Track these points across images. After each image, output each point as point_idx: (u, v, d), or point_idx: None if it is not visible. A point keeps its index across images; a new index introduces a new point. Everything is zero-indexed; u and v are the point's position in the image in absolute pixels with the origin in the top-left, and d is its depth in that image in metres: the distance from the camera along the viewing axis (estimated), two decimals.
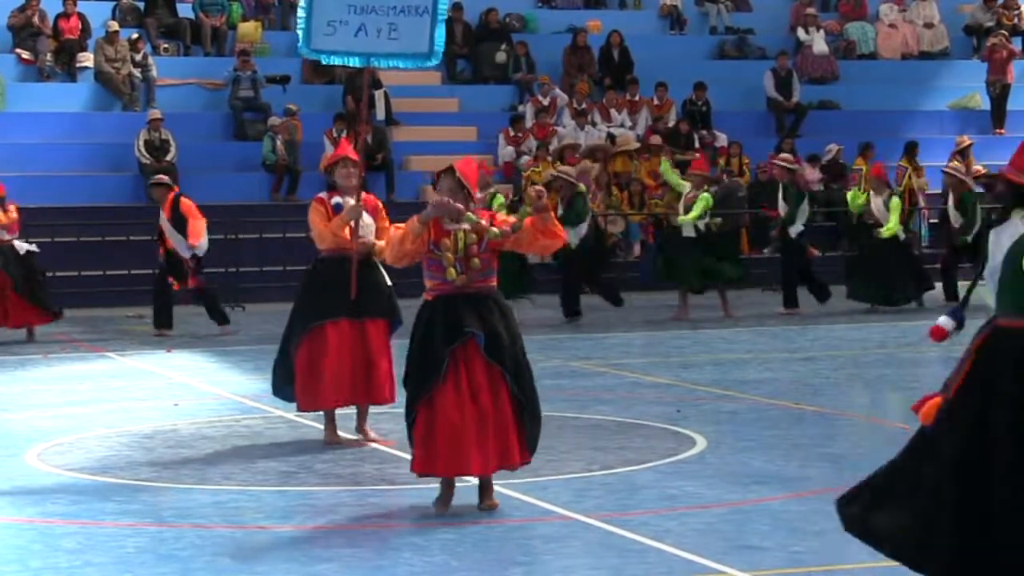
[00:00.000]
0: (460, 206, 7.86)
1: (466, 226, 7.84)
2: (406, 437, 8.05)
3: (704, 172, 18.82)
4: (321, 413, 10.39)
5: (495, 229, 7.89)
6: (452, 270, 7.83)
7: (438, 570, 6.94)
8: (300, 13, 9.80)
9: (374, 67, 10.09)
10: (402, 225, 8.00)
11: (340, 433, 10.25)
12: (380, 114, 24.27)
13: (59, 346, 16.43)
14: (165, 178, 17.60)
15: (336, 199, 10.08)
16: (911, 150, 24.32)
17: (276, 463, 9.62)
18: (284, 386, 10.37)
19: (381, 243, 9.78)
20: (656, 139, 24.41)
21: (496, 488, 8.50)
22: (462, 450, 7.78)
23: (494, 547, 7.39)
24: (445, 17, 9.63)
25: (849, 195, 20.00)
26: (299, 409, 10.43)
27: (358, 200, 9.88)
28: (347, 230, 9.90)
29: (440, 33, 9.59)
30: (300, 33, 9.79)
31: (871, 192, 19.13)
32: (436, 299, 7.92)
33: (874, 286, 19.05)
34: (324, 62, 10.36)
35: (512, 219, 8.15)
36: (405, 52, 9.70)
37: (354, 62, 9.96)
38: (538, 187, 8.13)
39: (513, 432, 7.91)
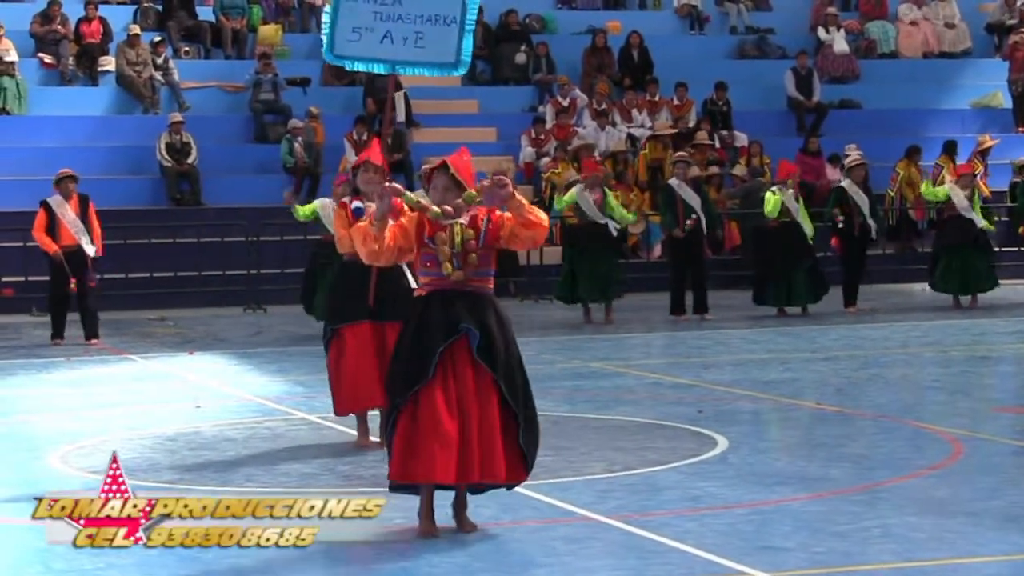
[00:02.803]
0: (397, 186, 7.51)
1: (464, 220, 7.50)
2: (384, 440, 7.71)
3: (598, 172, 18.73)
4: (349, 416, 10.40)
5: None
6: (448, 264, 7.48)
7: (460, 571, 6.95)
8: (325, 19, 9.79)
9: (399, 74, 10.07)
10: (362, 224, 7.63)
11: (371, 438, 10.24)
12: (400, 115, 24.30)
13: (82, 349, 16.48)
14: (72, 172, 17.27)
15: (356, 203, 10.08)
16: (950, 149, 24.26)
17: (298, 465, 9.64)
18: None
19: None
20: (703, 135, 24.26)
21: (516, 488, 8.50)
22: (444, 455, 7.35)
23: (515, 548, 7.40)
24: (473, 28, 9.61)
25: (924, 188, 20.25)
26: (335, 414, 10.44)
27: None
28: None
29: (468, 43, 9.57)
30: (324, 39, 9.79)
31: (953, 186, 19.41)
32: (431, 295, 7.54)
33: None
34: (348, 68, 10.35)
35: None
36: (431, 61, 9.68)
37: (379, 68, 9.95)
38: (497, 176, 7.64)
39: (499, 443, 7.50)
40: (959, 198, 19.26)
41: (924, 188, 20.29)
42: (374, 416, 10.31)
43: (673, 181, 18.78)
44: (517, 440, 7.58)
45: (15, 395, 13.38)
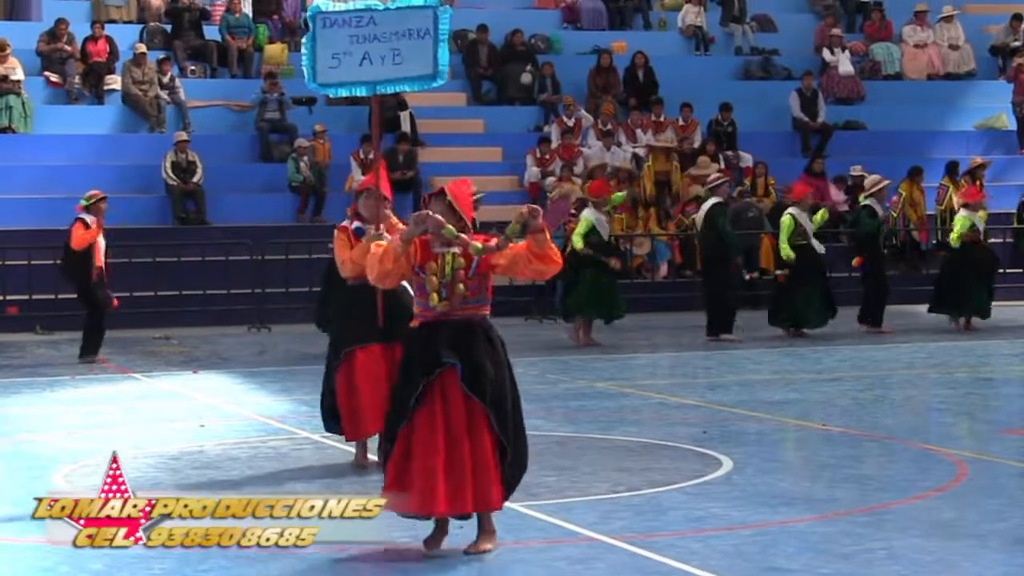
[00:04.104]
0: (440, 218, 7.50)
1: (456, 249, 7.53)
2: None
3: (605, 195, 18.49)
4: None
5: (477, 244, 7.52)
6: (435, 295, 7.50)
7: None
8: (304, 50, 9.79)
9: (380, 93, 10.07)
10: (383, 244, 7.69)
11: (370, 456, 10.23)
12: (407, 134, 24.30)
13: (86, 367, 16.48)
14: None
15: (357, 224, 10.09)
16: (952, 169, 24.28)
17: (302, 484, 9.62)
18: (330, 420, 10.39)
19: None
20: (705, 160, 24.22)
21: (521, 509, 8.49)
22: (428, 489, 7.37)
23: (520, 569, 7.38)
24: (447, 37, 9.62)
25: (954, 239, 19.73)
26: (347, 439, 10.35)
27: (377, 227, 9.83)
28: None
29: (443, 53, 9.59)
30: (305, 69, 9.78)
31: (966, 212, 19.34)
32: (420, 327, 7.59)
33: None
34: (332, 95, 10.34)
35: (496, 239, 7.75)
36: (410, 75, 9.69)
37: (361, 91, 9.95)
38: (532, 206, 7.66)
39: (494, 471, 7.50)
40: (979, 221, 19.30)
41: (954, 240, 19.92)
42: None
43: (719, 201, 18.80)
44: (502, 465, 7.59)
45: (19, 414, 13.38)
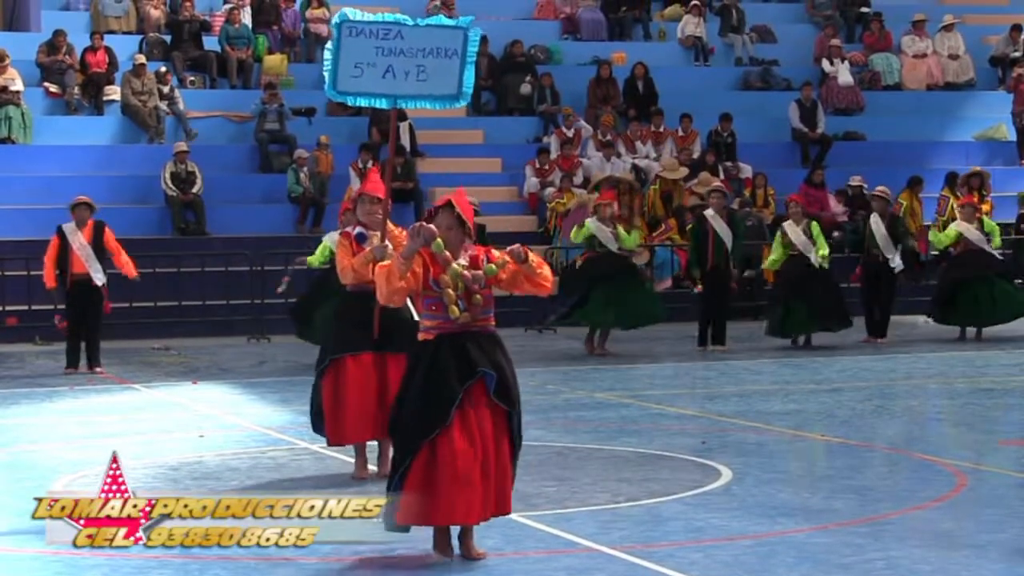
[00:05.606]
0: (432, 228, 7.58)
1: (464, 261, 7.62)
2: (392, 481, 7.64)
3: (607, 202, 18.43)
4: (349, 446, 10.39)
5: (455, 267, 7.59)
6: (455, 308, 7.58)
7: None
8: (327, 56, 9.77)
9: (400, 108, 10.09)
10: (387, 263, 7.75)
11: (370, 467, 10.24)
12: (405, 145, 24.32)
13: (85, 378, 16.47)
14: (88, 199, 17.19)
15: (359, 229, 10.09)
16: (952, 180, 24.32)
17: (302, 495, 9.59)
18: (318, 422, 10.41)
19: None
20: (706, 176, 24.17)
21: (521, 519, 8.49)
22: (466, 498, 7.44)
23: None
24: (475, 59, 9.62)
25: (932, 236, 20.10)
26: (328, 443, 10.41)
27: (383, 238, 9.83)
28: (370, 268, 9.87)
29: (469, 74, 9.58)
30: (326, 75, 9.76)
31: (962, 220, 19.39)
32: (440, 338, 7.63)
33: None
34: (350, 103, 10.36)
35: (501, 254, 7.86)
36: (433, 93, 9.69)
37: (381, 103, 9.95)
38: (516, 247, 7.76)
39: (509, 478, 7.69)
40: (971, 232, 19.23)
41: (932, 236, 20.22)
42: (372, 447, 10.30)
43: (708, 212, 18.66)
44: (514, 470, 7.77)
45: (19, 424, 13.37)
